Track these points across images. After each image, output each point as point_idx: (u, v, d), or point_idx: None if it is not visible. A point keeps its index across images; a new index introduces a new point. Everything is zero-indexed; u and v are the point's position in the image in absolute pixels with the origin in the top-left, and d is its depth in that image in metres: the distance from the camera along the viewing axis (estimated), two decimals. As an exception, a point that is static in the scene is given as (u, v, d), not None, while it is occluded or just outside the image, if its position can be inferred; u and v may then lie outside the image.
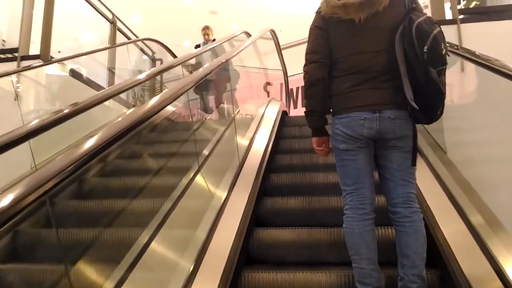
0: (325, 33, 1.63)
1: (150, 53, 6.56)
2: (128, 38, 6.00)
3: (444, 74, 1.55)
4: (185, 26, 9.10)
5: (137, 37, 6.38)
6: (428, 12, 3.18)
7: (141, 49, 6.33)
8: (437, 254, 1.71)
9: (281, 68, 5.88)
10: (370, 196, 1.58)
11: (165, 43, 6.33)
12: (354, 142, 1.57)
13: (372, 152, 1.60)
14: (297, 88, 7.27)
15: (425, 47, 1.46)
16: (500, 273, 1.46)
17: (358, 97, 1.57)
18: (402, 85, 1.52)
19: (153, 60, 6.61)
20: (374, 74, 1.56)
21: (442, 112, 1.59)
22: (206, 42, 5.51)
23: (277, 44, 5.46)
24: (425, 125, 2.39)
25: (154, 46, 6.51)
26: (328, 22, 1.62)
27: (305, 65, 1.66)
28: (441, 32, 1.49)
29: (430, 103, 1.53)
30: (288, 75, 6.05)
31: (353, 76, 1.58)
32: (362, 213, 1.55)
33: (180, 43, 9.63)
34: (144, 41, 6.29)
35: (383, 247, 1.62)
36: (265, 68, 6.24)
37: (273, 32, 5.26)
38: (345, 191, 1.62)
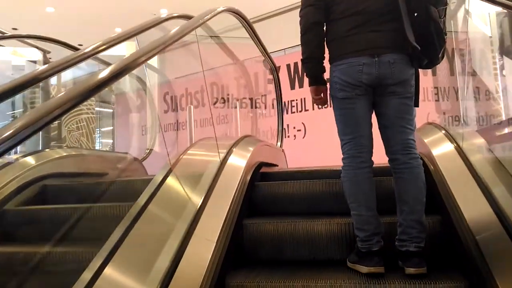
0: None
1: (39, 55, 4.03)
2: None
3: (445, 15, 1.51)
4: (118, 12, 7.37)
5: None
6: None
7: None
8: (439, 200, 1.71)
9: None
10: (367, 144, 1.57)
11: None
12: (353, 89, 1.55)
13: (371, 100, 1.58)
14: (296, 64, 5.59)
15: None
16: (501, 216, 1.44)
17: (356, 41, 1.54)
18: (401, 27, 1.49)
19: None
20: (373, 15, 1.53)
21: (443, 56, 1.56)
22: None
23: (250, 31, 3.37)
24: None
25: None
26: None
27: (301, 10, 1.62)
28: None
29: (431, 43, 1.50)
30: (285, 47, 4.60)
31: (350, 19, 1.55)
32: (360, 161, 1.55)
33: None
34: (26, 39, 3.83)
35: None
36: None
37: (237, 14, 3.12)
38: (343, 141, 1.61)
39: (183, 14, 2.76)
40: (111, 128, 5.71)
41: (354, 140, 1.57)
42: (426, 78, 5.03)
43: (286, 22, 4.13)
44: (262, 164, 2.45)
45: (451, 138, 2.01)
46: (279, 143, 3.94)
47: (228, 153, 2.11)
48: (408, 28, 1.47)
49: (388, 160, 1.60)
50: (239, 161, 2.10)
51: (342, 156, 1.61)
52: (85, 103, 4.28)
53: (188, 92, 6.08)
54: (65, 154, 2.82)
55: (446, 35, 1.50)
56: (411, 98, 1.56)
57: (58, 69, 1.50)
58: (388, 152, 1.59)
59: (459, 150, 1.87)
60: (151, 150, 4.28)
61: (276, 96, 4.18)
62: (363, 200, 1.52)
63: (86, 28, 7.56)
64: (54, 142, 4.08)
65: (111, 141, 5.75)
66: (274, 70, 4.06)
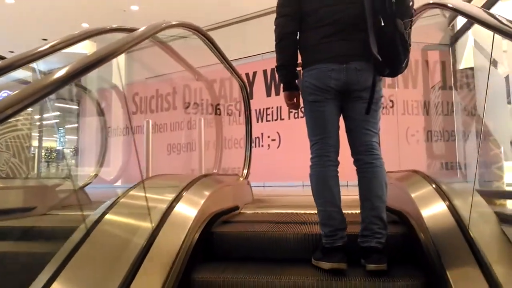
0: None
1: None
2: None
3: (411, 27, 1.59)
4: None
5: None
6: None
7: None
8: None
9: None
10: (335, 145, 1.65)
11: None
12: (322, 93, 1.61)
13: (339, 104, 1.65)
14: (273, 70, 5.38)
15: None
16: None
17: (326, 48, 1.61)
18: (367, 38, 1.54)
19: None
20: (343, 26, 1.61)
21: (406, 66, 1.64)
22: None
23: (213, 48, 2.87)
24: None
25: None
26: None
27: (276, 19, 1.70)
28: None
29: (396, 54, 1.57)
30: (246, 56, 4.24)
31: (322, 29, 1.63)
32: (327, 160, 1.62)
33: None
34: None
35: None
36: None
37: (195, 30, 2.61)
38: (312, 141, 1.68)
39: (129, 28, 2.41)
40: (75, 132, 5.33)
41: (322, 141, 1.63)
42: (408, 91, 5.02)
43: (264, 26, 3.55)
44: (219, 214, 1.95)
45: (444, 195, 1.63)
46: (245, 171, 3.29)
47: (171, 206, 1.66)
48: (372, 39, 1.54)
49: (353, 161, 1.66)
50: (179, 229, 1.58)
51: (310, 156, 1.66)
52: (20, 117, 3.75)
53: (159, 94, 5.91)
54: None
55: (410, 46, 1.59)
56: (376, 103, 1.63)
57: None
58: (353, 153, 1.66)
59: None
60: (96, 175, 3.77)
61: (245, 117, 3.52)
62: (329, 196, 1.59)
63: (51, 23, 7.11)
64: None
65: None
66: (243, 88, 3.48)
